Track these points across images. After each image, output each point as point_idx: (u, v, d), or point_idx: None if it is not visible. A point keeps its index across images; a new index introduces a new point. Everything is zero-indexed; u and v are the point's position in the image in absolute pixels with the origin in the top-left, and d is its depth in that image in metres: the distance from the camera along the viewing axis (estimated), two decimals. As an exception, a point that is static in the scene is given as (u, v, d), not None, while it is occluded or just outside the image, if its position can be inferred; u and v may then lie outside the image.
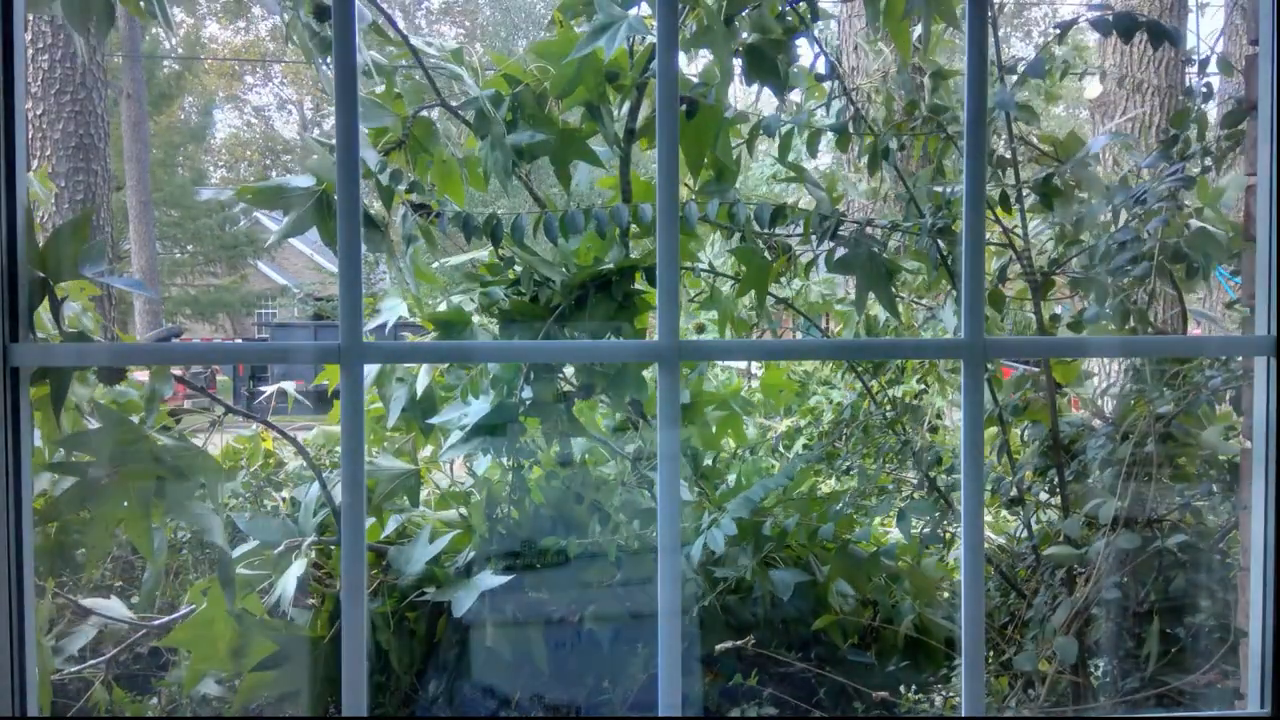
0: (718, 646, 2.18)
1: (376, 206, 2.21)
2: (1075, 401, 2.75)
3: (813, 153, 2.34)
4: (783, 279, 2.46)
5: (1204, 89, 2.29)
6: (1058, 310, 2.39)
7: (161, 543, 1.94)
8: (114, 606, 2.37)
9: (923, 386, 2.86)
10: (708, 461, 2.71)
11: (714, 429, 2.63)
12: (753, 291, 2.32)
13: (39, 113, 5.37)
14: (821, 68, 2.31)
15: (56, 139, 5.44)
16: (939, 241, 2.19)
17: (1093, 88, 5.86)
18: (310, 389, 3.58)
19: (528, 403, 2.26)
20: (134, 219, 8.64)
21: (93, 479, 1.80)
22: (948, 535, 2.42)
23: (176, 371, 2.11)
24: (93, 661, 2.40)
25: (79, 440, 1.87)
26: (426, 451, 2.81)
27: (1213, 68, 2.27)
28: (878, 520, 2.58)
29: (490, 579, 2.16)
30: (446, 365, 2.55)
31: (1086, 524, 2.18)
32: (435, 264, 2.57)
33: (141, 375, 2.50)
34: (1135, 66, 5.70)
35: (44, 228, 3.71)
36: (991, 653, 2.32)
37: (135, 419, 1.90)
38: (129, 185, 8.51)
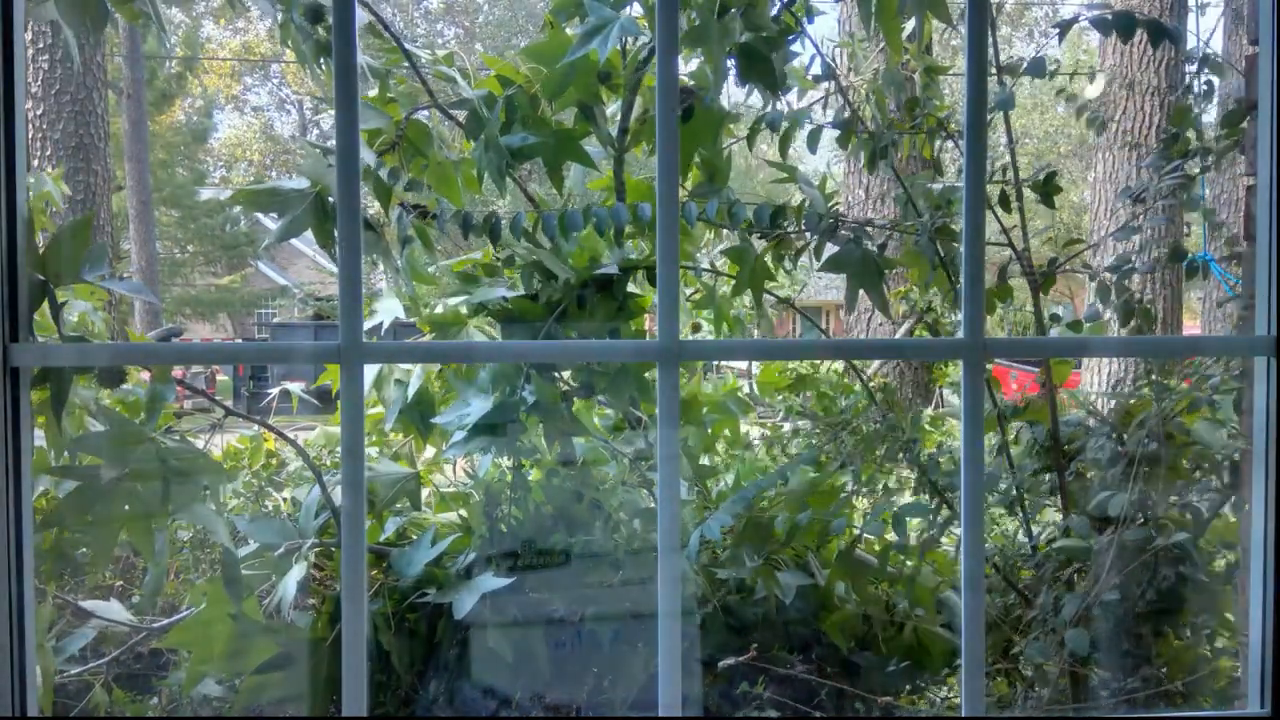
0: (720, 663, 2.18)
1: (373, 209, 2.21)
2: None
3: (813, 150, 2.34)
4: (783, 273, 2.46)
5: (1204, 87, 2.29)
6: (1058, 310, 2.39)
7: (163, 544, 1.94)
8: (114, 609, 2.37)
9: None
10: (704, 461, 2.70)
11: (710, 430, 2.64)
12: (749, 291, 2.32)
13: (39, 113, 5.38)
14: (818, 68, 2.31)
15: (56, 139, 5.44)
16: (936, 241, 2.19)
17: (1093, 87, 5.86)
18: (313, 389, 3.58)
19: (529, 402, 2.26)
20: (134, 219, 8.65)
21: (98, 482, 1.80)
22: (946, 537, 2.42)
23: (176, 373, 2.11)
24: (94, 663, 2.40)
25: (86, 442, 1.87)
26: (428, 453, 2.81)
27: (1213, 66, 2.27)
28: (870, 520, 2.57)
29: (491, 581, 2.15)
30: (440, 367, 2.55)
31: (1090, 523, 2.18)
32: (432, 267, 2.58)
33: (144, 374, 2.50)
34: (1135, 67, 5.71)
35: (53, 224, 3.71)
36: (991, 655, 2.32)
37: (137, 421, 1.90)
38: (129, 185, 8.52)
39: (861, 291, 2.22)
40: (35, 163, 5.40)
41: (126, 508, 1.82)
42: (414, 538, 2.41)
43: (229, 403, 2.60)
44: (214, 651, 2.16)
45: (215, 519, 1.93)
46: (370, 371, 2.57)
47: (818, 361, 3.52)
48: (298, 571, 2.13)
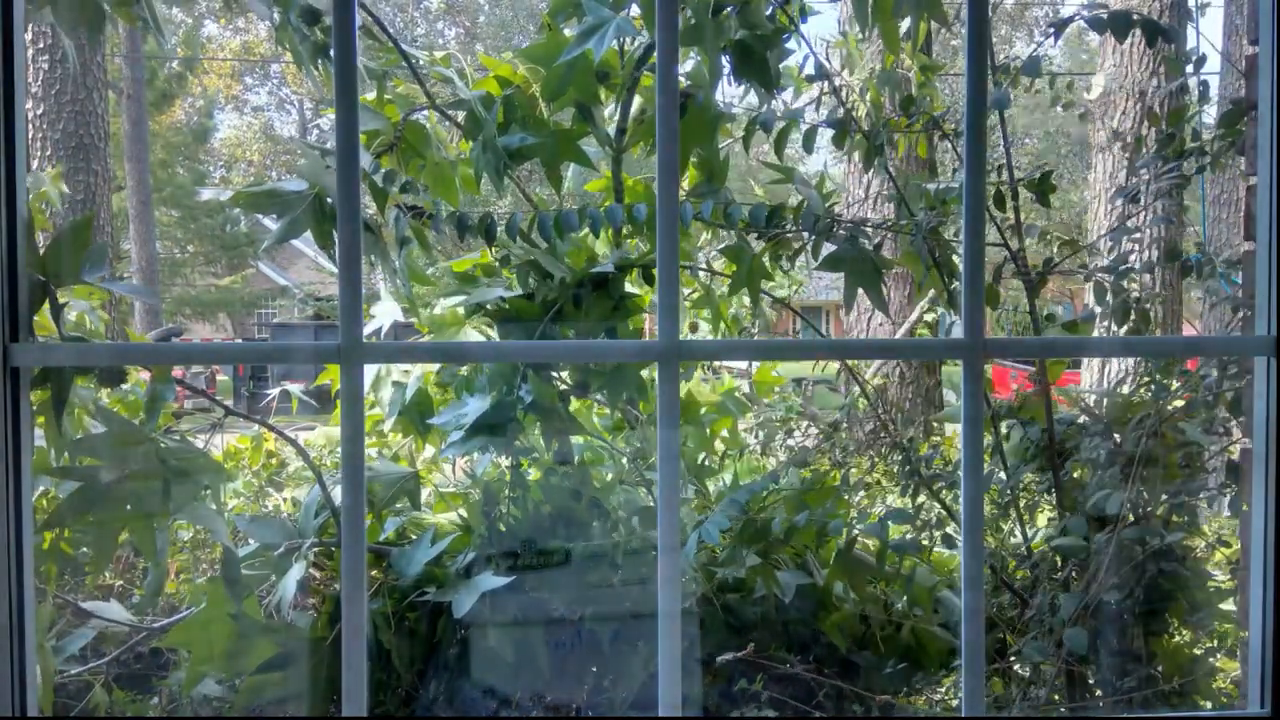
0: (719, 659, 2.18)
1: (370, 210, 2.21)
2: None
3: (809, 150, 2.34)
4: (781, 273, 2.46)
5: (1200, 87, 2.30)
6: (1057, 310, 2.39)
7: (164, 544, 1.95)
8: (113, 609, 2.37)
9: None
10: (703, 460, 2.70)
11: (708, 430, 2.64)
12: (745, 291, 2.32)
13: (39, 113, 5.38)
14: (811, 67, 2.31)
15: (56, 139, 5.44)
16: (927, 241, 2.20)
17: (1094, 87, 5.87)
18: (313, 389, 3.59)
19: (526, 401, 2.26)
20: (134, 219, 8.66)
21: (99, 483, 1.80)
22: (935, 539, 2.42)
23: (176, 373, 2.11)
24: (94, 663, 2.40)
25: (86, 443, 1.87)
26: (427, 452, 2.81)
27: (1213, 66, 2.28)
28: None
29: (490, 580, 2.15)
30: (439, 367, 2.56)
31: (1087, 522, 2.18)
32: (431, 268, 2.59)
33: (143, 374, 2.51)
34: (1135, 66, 5.71)
35: (51, 224, 3.71)
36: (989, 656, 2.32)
37: (137, 421, 1.90)
38: (129, 185, 8.52)
39: (860, 290, 2.22)
40: (35, 163, 5.40)
41: (128, 508, 1.82)
42: (413, 537, 2.41)
43: (229, 402, 2.61)
44: (214, 651, 2.16)
45: (216, 519, 1.94)
46: (368, 373, 2.57)
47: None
48: (297, 571, 2.13)
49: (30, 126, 5.31)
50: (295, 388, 3.37)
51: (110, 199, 5.88)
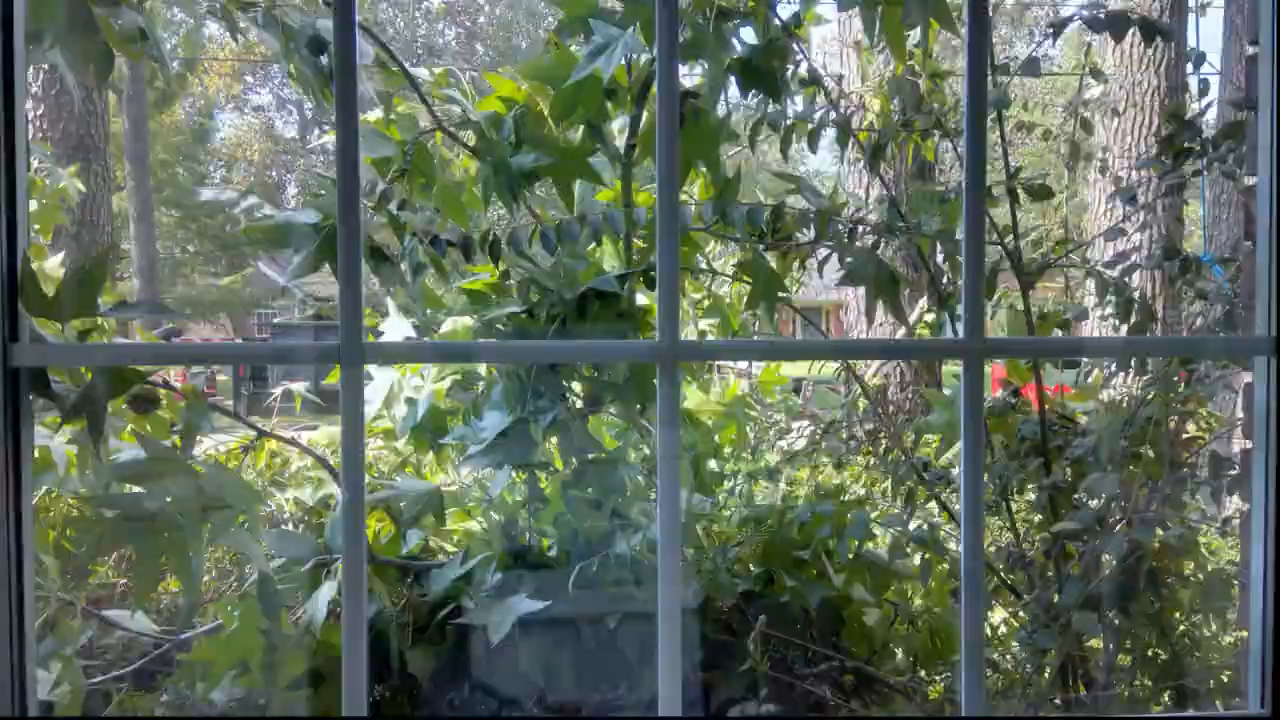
0: (704, 675, 2.18)
1: (385, 239, 2.20)
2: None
3: (813, 149, 2.35)
4: (797, 280, 2.47)
5: (1200, 87, 2.30)
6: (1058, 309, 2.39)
7: (199, 570, 1.92)
8: (139, 620, 2.36)
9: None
10: (712, 465, 2.70)
11: (716, 438, 2.64)
12: (761, 303, 2.32)
13: (39, 113, 5.38)
14: (804, 71, 2.32)
15: (56, 139, 5.44)
16: (918, 244, 2.21)
17: (1095, 85, 5.87)
18: (318, 389, 3.58)
19: (546, 420, 2.24)
20: (134, 219, 8.66)
21: (142, 511, 1.78)
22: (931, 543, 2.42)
23: (177, 375, 2.10)
24: (116, 672, 2.39)
25: (125, 470, 1.84)
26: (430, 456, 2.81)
27: (1211, 64, 2.27)
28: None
29: (526, 603, 2.12)
30: (449, 385, 2.55)
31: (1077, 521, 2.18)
32: (442, 291, 2.59)
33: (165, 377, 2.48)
34: (1135, 66, 5.71)
35: (66, 219, 3.68)
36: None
37: (168, 444, 1.88)
38: (129, 185, 8.52)
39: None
40: (36, 163, 5.40)
41: (166, 535, 1.80)
42: (431, 547, 2.41)
43: (228, 403, 2.61)
44: (242, 667, 2.14)
45: (253, 544, 1.92)
46: (383, 387, 2.58)
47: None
48: (328, 591, 2.10)
49: (30, 126, 5.31)
50: (300, 386, 3.36)
51: (110, 199, 5.88)
